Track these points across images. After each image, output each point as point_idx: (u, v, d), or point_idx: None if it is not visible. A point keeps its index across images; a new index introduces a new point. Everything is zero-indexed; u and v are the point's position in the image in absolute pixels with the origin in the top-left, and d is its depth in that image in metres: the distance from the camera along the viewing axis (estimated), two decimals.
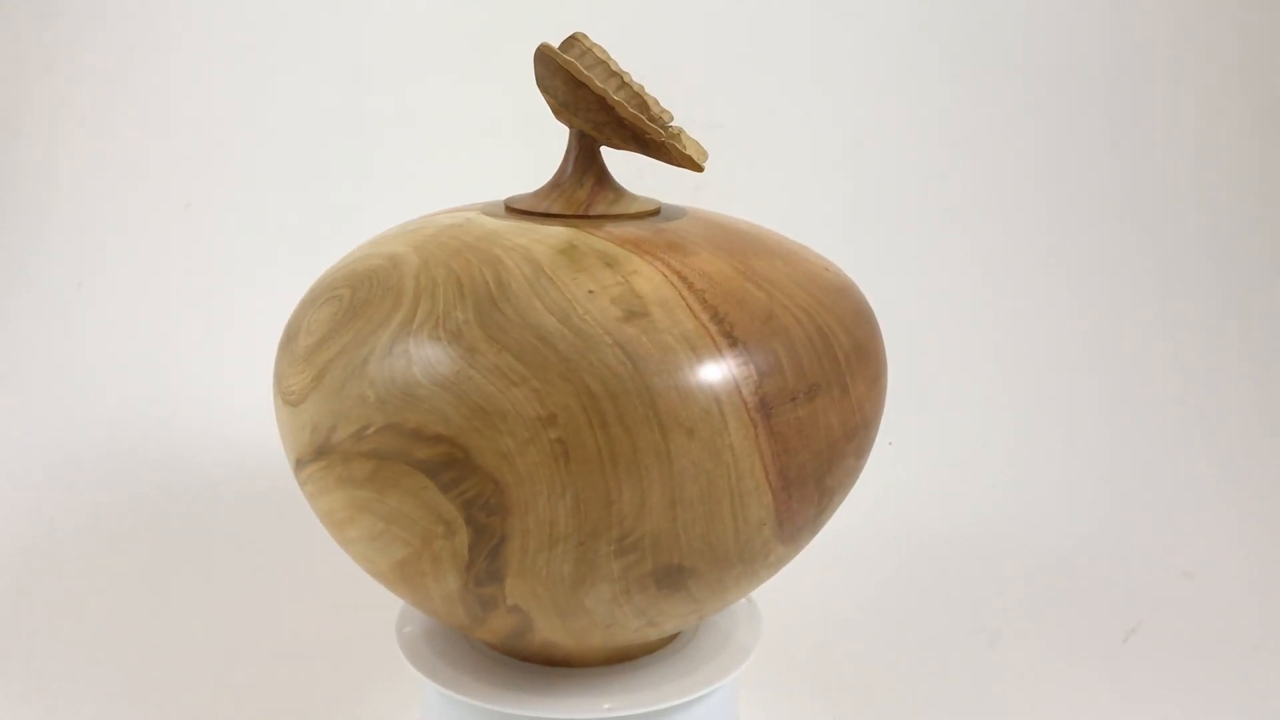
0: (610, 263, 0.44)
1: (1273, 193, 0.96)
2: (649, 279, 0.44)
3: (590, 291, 0.43)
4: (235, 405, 0.88)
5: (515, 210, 0.51)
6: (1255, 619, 0.74)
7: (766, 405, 0.43)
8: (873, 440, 0.49)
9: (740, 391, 0.42)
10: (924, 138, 0.97)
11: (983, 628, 0.72)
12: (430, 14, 0.96)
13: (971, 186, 0.97)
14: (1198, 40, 0.96)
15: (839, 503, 0.49)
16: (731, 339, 0.43)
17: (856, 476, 0.49)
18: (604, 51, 0.55)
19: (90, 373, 0.91)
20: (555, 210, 0.50)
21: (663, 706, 0.51)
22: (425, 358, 0.42)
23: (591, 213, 0.50)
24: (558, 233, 0.47)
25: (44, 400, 0.89)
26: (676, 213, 0.52)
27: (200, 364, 0.92)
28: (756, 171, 0.95)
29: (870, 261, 0.79)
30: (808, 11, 0.98)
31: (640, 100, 0.54)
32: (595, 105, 0.48)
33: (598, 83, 0.47)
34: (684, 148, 0.53)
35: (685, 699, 0.51)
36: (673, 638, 0.56)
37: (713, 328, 0.43)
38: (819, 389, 0.44)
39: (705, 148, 0.52)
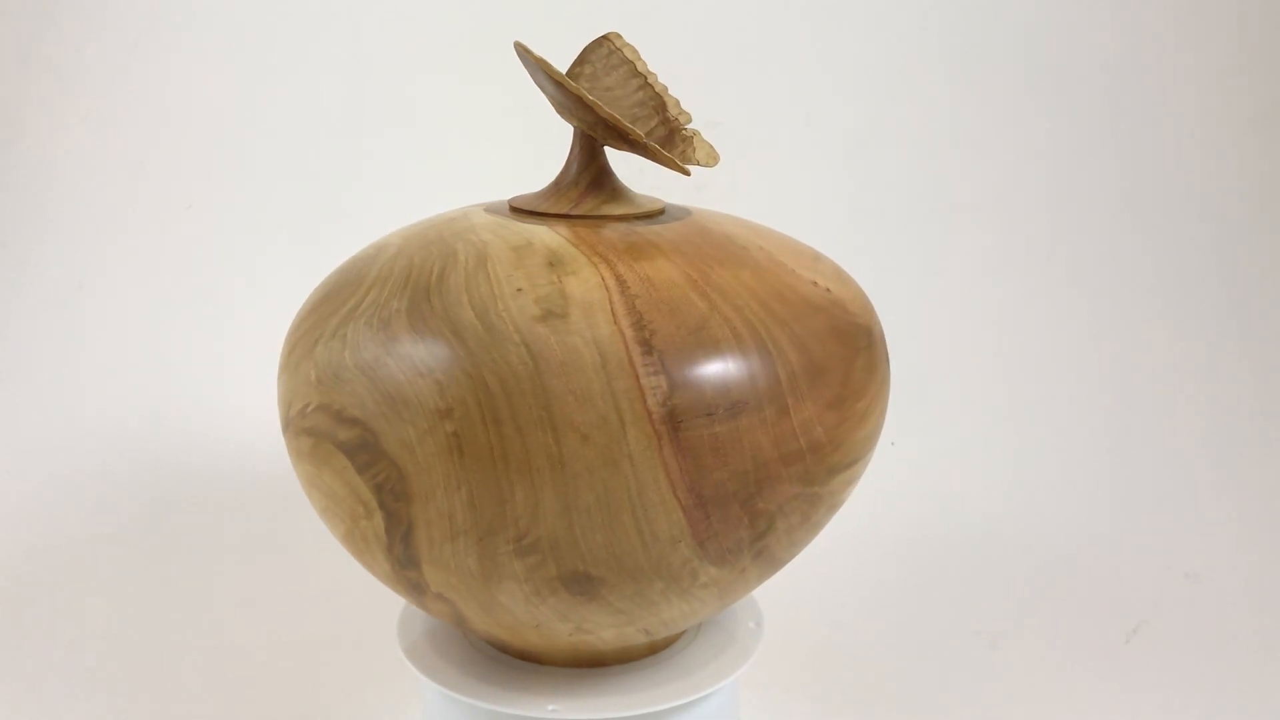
0: (554, 262, 0.44)
1: (1274, 194, 0.94)
2: (584, 281, 0.43)
3: (519, 289, 0.43)
4: (236, 405, 0.88)
5: (514, 208, 0.51)
6: (1256, 619, 0.74)
7: (675, 418, 0.41)
8: (834, 467, 0.45)
9: (645, 401, 0.41)
10: (925, 137, 0.95)
11: (984, 628, 0.72)
12: (446, 9, 0.95)
13: (973, 186, 0.95)
14: (1201, 41, 0.94)
15: (792, 530, 0.46)
16: (648, 347, 0.41)
17: (816, 504, 0.46)
18: (634, 51, 0.54)
19: (90, 373, 0.91)
20: (545, 209, 0.50)
21: (642, 711, 0.50)
22: (356, 342, 0.44)
23: (577, 212, 0.49)
24: (527, 230, 0.47)
25: (44, 400, 0.89)
26: (679, 214, 0.51)
27: (201, 364, 0.92)
28: (758, 171, 0.93)
29: (871, 260, 0.77)
30: (809, 9, 0.95)
31: (659, 100, 0.54)
32: (581, 104, 0.48)
33: (572, 83, 0.47)
34: (693, 150, 0.51)
35: (676, 702, 0.50)
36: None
37: (630, 334, 0.41)
38: (744, 407, 0.42)
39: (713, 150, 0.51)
